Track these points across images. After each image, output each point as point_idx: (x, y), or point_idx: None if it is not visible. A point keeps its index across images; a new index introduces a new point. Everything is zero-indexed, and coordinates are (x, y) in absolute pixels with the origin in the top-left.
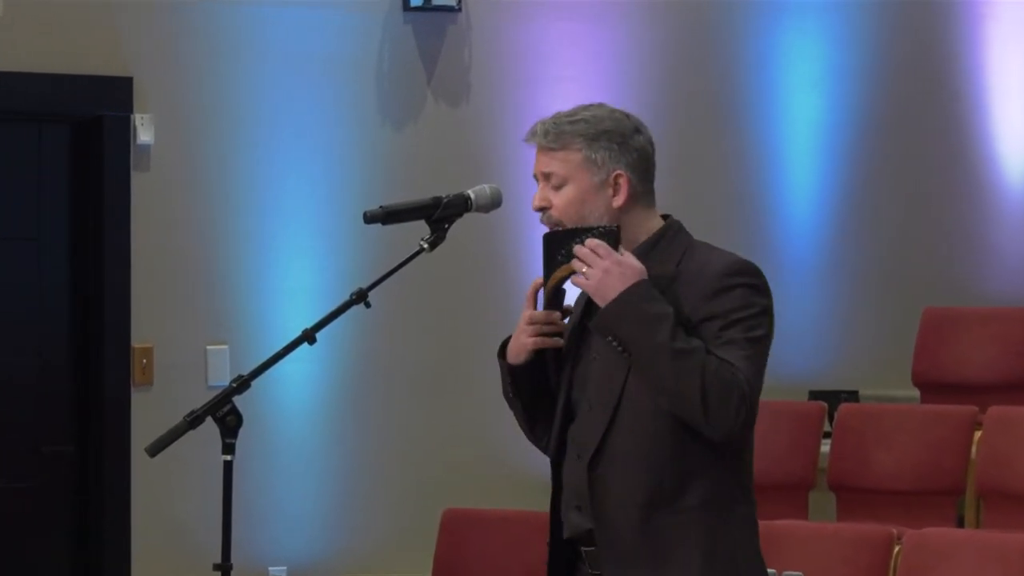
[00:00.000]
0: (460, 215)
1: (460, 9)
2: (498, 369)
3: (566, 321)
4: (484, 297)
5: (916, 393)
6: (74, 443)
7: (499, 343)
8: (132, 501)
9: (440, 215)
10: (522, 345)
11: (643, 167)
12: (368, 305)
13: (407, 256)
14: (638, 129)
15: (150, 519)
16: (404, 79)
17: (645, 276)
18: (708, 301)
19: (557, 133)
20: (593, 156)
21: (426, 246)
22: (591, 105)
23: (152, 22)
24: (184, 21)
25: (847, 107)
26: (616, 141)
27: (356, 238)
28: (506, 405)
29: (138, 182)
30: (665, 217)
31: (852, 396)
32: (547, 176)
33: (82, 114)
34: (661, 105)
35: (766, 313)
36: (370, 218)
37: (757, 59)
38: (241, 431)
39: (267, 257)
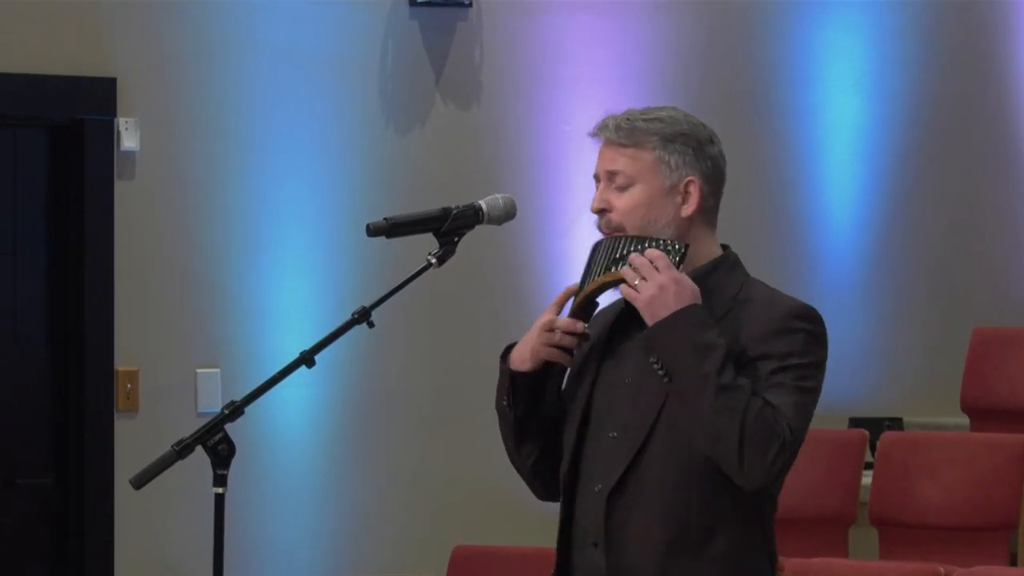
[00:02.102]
0: (471, 228)
1: (471, 4)
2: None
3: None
4: (497, 317)
5: (965, 420)
6: (53, 475)
7: None
8: (116, 538)
9: (449, 228)
10: (532, 351)
11: (715, 179)
12: (371, 325)
13: (413, 272)
14: (712, 139)
15: (135, 557)
16: (410, 80)
17: (700, 301)
18: (766, 340)
19: (630, 129)
20: (667, 158)
21: (434, 261)
22: (665, 107)
23: (137, 18)
24: (172, 17)
25: (890, 109)
26: (692, 146)
27: (358, 252)
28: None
29: (122, 191)
30: (724, 247)
31: (896, 423)
32: (611, 176)
33: (61, 118)
34: (690, 108)
35: (821, 366)
36: (373, 231)
37: (794, 57)
38: (234, 461)
39: (262, 273)
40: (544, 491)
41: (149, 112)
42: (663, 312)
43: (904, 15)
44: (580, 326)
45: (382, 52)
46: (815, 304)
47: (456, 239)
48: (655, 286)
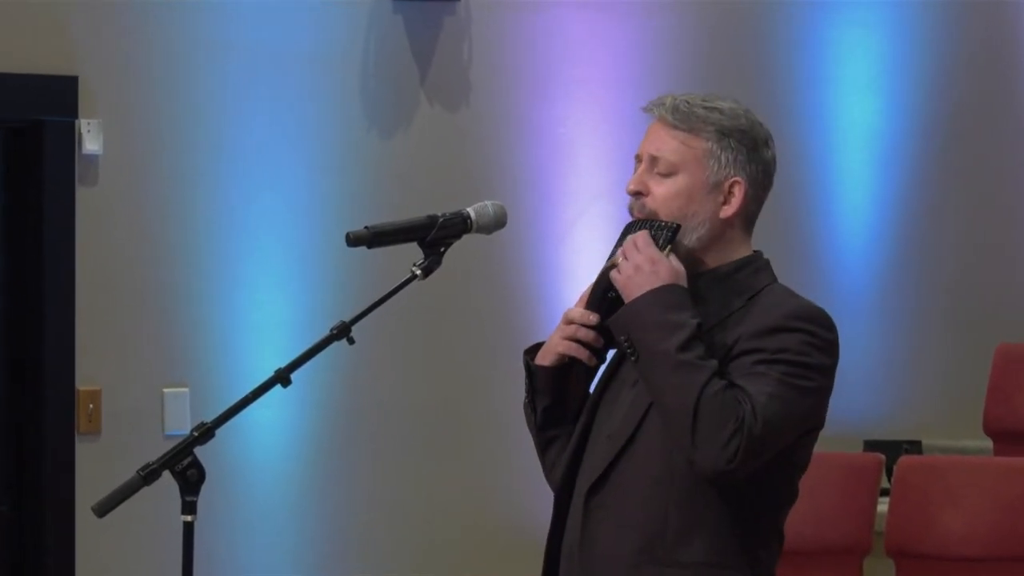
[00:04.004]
0: (459, 237)
1: None
2: (507, 415)
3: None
4: (486, 333)
5: (988, 443)
6: (9, 502)
7: (504, 386)
8: (76, 569)
9: (435, 237)
10: (554, 344)
11: (762, 185)
12: (352, 341)
13: (397, 285)
14: (768, 142)
15: None
16: (393, 79)
17: (680, 282)
18: (760, 336)
19: (688, 113)
20: (719, 152)
21: (419, 273)
22: (727, 98)
23: (101, 13)
24: (138, 12)
25: (908, 111)
26: (747, 145)
27: (337, 264)
28: (512, 461)
29: (84, 198)
30: (757, 253)
31: (914, 447)
32: (654, 160)
33: (18, 119)
34: None
35: (822, 371)
36: (354, 240)
37: (803, 56)
38: (204, 488)
39: (235, 286)
40: None
41: (113, 113)
42: (636, 292)
43: (923, 10)
44: (594, 318)
45: (363, 49)
46: None
47: (443, 249)
48: (632, 266)
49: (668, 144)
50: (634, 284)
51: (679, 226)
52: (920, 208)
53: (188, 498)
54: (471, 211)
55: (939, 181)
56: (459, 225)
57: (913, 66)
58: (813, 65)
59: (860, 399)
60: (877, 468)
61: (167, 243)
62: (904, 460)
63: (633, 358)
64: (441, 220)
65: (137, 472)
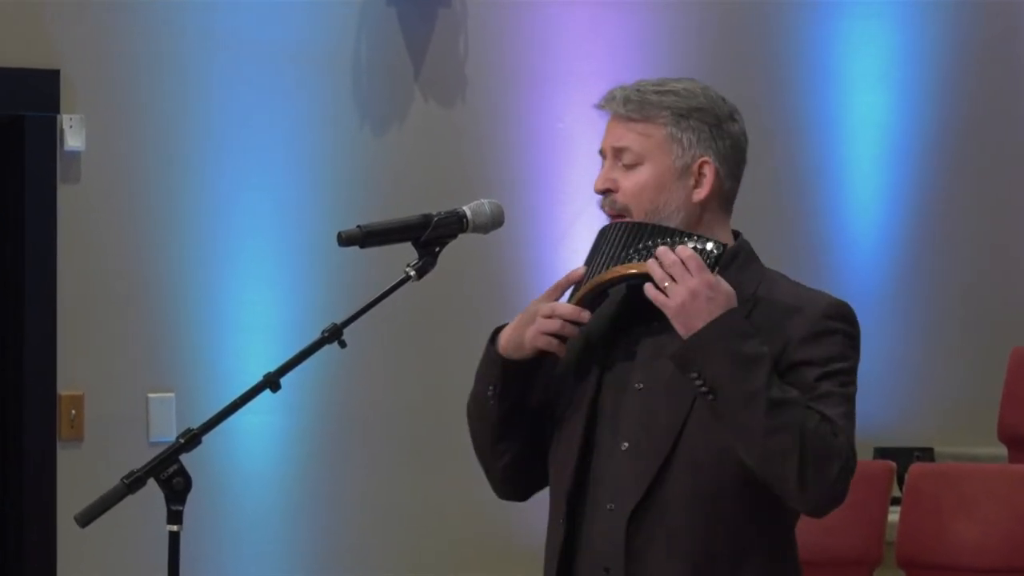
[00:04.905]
0: (454, 236)
1: None
2: None
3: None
4: (482, 336)
5: (1003, 451)
6: None
7: None
8: None
9: (430, 236)
10: (531, 337)
11: (734, 160)
12: (343, 345)
13: (390, 286)
14: (733, 116)
15: None
16: (387, 74)
17: (735, 305)
18: (806, 344)
19: (640, 102)
20: (679, 135)
21: (413, 274)
22: (682, 78)
23: (84, 4)
24: (122, 4)
25: (921, 106)
26: (708, 123)
27: (329, 264)
28: None
29: (65, 195)
30: (735, 234)
31: (926, 454)
32: (618, 152)
33: None
34: None
35: (856, 370)
36: (346, 240)
37: (811, 49)
38: (190, 496)
39: (222, 287)
40: (512, 492)
41: (96, 108)
42: (697, 322)
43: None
44: (586, 315)
45: (356, 43)
46: None
47: (438, 249)
48: (686, 291)
49: (626, 137)
50: (692, 312)
51: (725, 246)
52: (932, 207)
53: (174, 507)
54: (467, 210)
55: (952, 179)
56: (455, 224)
57: (925, 59)
58: (820, 58)
59: (870, 404)
60: (888, 476)
61: (152, 243)
62: (916, 468)
63: (711, 396)
64: (436, 219)
65: (121, 480)
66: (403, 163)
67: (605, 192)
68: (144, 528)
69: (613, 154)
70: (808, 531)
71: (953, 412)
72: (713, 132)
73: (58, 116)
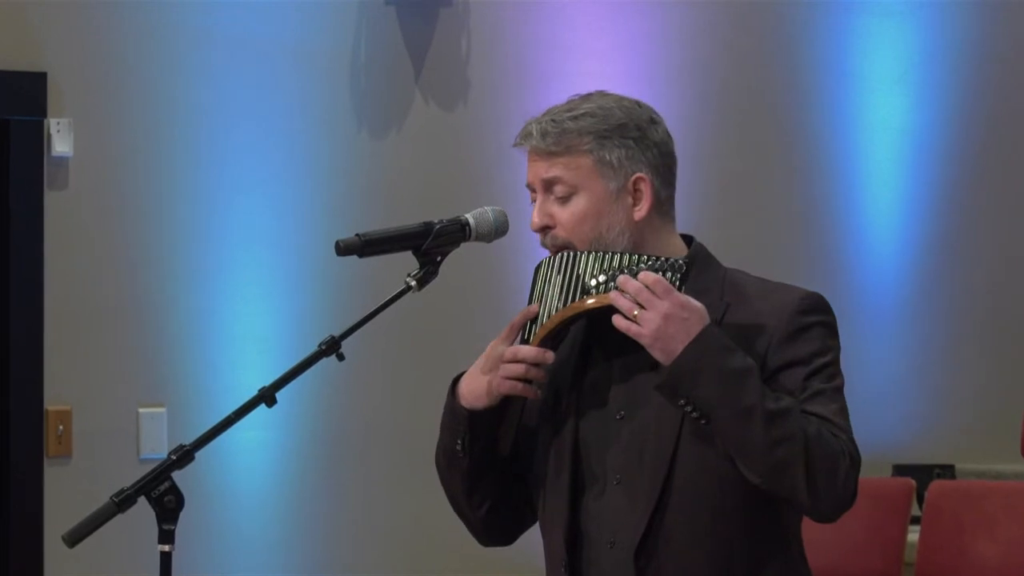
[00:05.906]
0: (456, 245)
1: None
2: None
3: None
4: (485, 347)
5: None
6: None
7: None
8: None
9: (431, 245)
10: (496, 385)
11: (665, 166)
12: (341, 358)
13: (390, 297)
14: (653, 119)
15: None
16: (386, 76)
17: (708, 320)
18: (786, 344)
19: (559, 133)
20: (608, 157)
21: (414, 284)
22: (590, 95)
23: (71, 5)
24: (111, 5)
25: (941, 108)
26: (632, 136)
27: (326, 274)
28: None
29: (53, 202)
30: (686, 238)
31: (947, 471)
32: (548, 185)
33: None
34: (705, 109)
35: (839, 359)
36: (344, 249)
37: (827, 49)
38: (183, 515)
39: (215, 298)
40: (497, 539)
41: (84, 112)
42: (676, 345)
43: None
44: (550, 356)
45: (354, 44)
46: (854, 338)
47: (439, 259)
48: (659, 316)
49: (552, 170)
50: (669, 337)
51: (688, 263)
52: (953, 214)
53: (165, 526)
54: (470, 217)
55: (974, 185)
56: (457, 233)
57: (945, 59)
58: (837, 58)
59: (889, 420)
60: (907, 494)
61: (143, 251)
62: (936, 485)
63: (703, 421)
64: (437, 227)
65: (110, 498)
66: (403, 168)
67: (543, 229)
68: (135, 548)
69: (543, 187)
70: (826, 551)
71: (975, 427)
72: (639, 145)
73: (45, 120)
